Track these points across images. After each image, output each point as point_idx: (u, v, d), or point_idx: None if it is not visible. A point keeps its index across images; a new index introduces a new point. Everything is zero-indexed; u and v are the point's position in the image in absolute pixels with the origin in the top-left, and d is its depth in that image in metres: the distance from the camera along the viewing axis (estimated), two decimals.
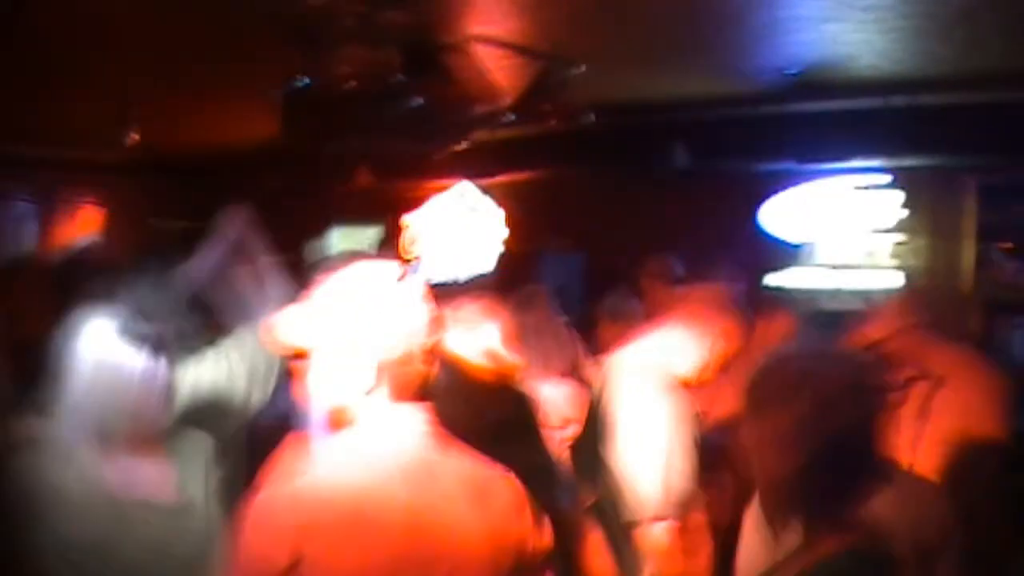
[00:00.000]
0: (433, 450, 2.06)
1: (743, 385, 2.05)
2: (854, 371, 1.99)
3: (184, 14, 4.67)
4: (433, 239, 9.65)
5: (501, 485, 2.12)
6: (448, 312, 2.82)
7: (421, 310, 2.10)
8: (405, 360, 2.04)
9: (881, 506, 2.10)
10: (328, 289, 2.07)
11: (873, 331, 4.22)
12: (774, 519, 1.99)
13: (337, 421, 2.02)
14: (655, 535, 3.42)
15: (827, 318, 6.29)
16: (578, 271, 8.98)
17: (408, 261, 8.55)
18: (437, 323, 2.13)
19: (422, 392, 2.08)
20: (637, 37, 5.18)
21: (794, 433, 1.87)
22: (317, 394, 2.03)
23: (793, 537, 1.95)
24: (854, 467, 1.90)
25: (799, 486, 1.89)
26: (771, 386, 1.96)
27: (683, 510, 3.49)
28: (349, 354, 2.01)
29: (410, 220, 9.50)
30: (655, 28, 4.99)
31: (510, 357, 2.80)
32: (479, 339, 2.77)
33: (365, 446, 2.02)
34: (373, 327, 2.02)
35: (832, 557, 1.85)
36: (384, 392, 2.03)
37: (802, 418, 1.87)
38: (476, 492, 2.05)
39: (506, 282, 8.96)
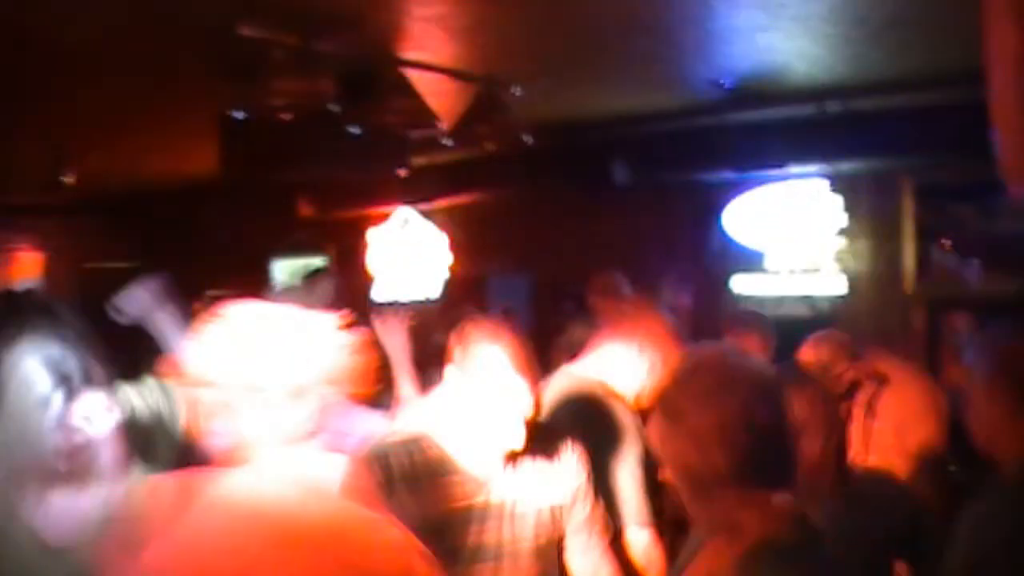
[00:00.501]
0: (295, 499, 1.92)
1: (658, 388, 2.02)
2: (773, 374, 2.00)
3: (117, 52, 4.62)
4: (377, 266, 9.63)
5: (366, 542, 1.91)
6: (451, 336, 2.80)
7: (325, 351, 1.99)
8: (301, 401, 1.95)
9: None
10: (229, 326, 1.99)
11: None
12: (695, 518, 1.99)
13: (232, 460, 1.95)
14: (638, 542, 3.42)
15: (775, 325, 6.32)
16: (524, 292, 8.98)
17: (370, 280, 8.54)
18: (347, 364, 2.02)
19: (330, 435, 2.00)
20: (572, 56, 5.20)
21: (717, 434, 1.85)
22: (214, 433, 1.96)
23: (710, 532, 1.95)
24: (773, 467, 1.89)
25: (718, 485, 1.88)
26: (693, 389, 1.93)
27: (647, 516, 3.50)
28: (244, 392, 1.92)
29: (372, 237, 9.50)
30: (590, 47, 5.00)
31: (519, 380, 2.75)
32: (486, 363, 2.72)
33: (235, 490, 1.92)
34: (268, 366, 1.93)
35: (748, 551, 1.84)
36: (278, 433, 1.95)
37: (724, 420, 1.86)
38: (319, 548, 1.85)
39: (453, 306, 9.01)
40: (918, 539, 2.98)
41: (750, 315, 5.03)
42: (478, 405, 2.70)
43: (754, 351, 4.58)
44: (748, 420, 1.84)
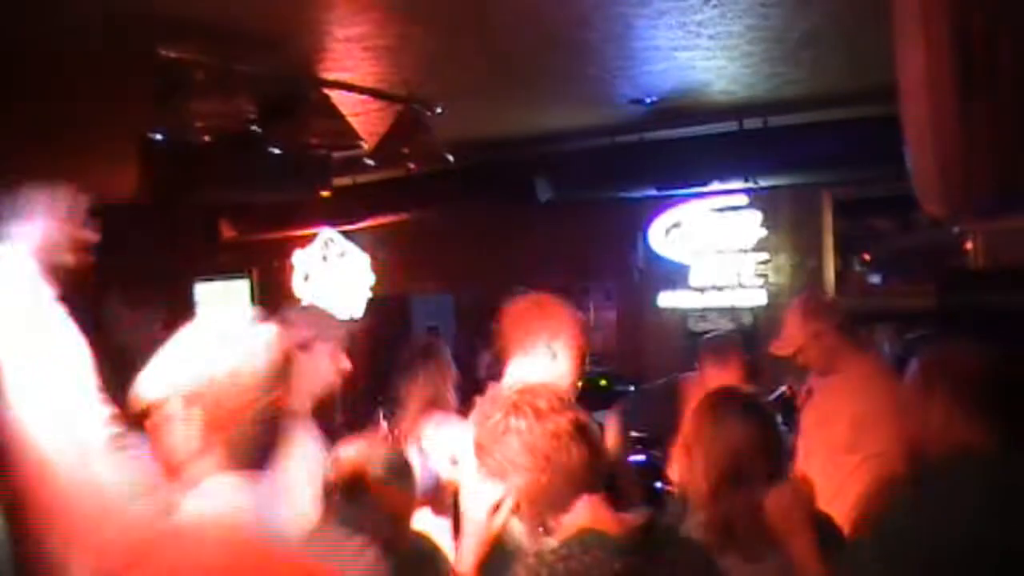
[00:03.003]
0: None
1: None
2: None
3: (34, 73, 4.54)
4: (300, 288, 9.56)
5: None
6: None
7: (260, 369, 1.89)
8: (237, 422, 1.85)
9: None
10: (172, 344, 1.94)
11: (787, 340, 4.31)
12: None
13: (177, 484, 1.86)
14: None
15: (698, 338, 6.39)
16: (449, 312, 8.99)
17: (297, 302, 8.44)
18: (283, 384, 1.92)
19: (262, 460, 1.90)
20: (495, 75, 5.22)
21: None
22: (158, 456, 1.91)
23: None
24: None
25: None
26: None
27: None
28: (183, 413, 1.85)
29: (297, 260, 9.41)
30: (513, 66, 5.03)
31: None
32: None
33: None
34: (205, 385, 1.84)
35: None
36: (216, 457, 1.86)
37: None
38: None
39: (378, 326, 8.98)
40: None
41: (726, 342, 5.04)
42: None
43: (731, 378, 4.63)
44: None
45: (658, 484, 4.93)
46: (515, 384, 2.41)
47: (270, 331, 1.93)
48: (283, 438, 1.96)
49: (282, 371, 1.91)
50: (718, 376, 4.63)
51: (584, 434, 2.21)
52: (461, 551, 2.59)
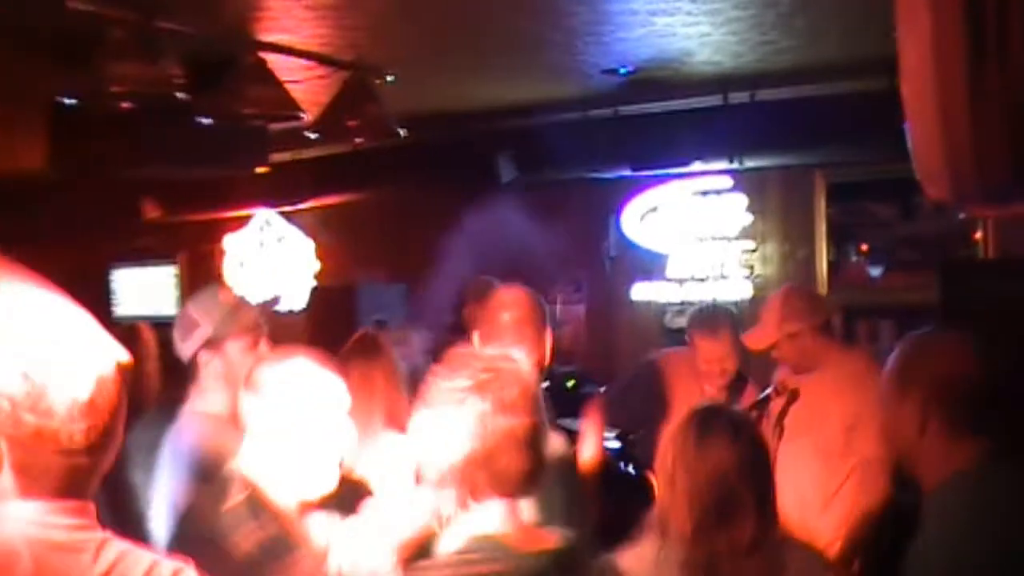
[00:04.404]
0: None
1: None
2: None
3: None
4: (233, 276, 9.49)
5: None
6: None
7: (71, 397, 1.78)
8: (31, 444, 1.75)
9: None
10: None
11: (760, 335, 4.34)
12: None
13: None
14: None
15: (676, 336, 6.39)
16: (399, 303, 8.94)
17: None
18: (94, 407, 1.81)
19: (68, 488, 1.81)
20: (453, 40, 5.20)
21: None
22: None
23: None
24: None
25: None
26: None
27: None
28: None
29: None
30: (472, 29, 5.01)
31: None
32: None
33: None
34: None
35: None
36: (7, 480, 1.78)
37: None
38: None
39: (322, 319, 8.93)
40: None
41: (717, 313, 5.06)
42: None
43: (724, 354, 4.68)
44: None
45: (631, 469, 4.98)
46: (492, 352, 2.37)
47: (105, 350, 1.87)
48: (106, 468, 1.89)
49: (102, 402, 1.82)
50: (709, 349, 4.71)
51: (535, 445, 2.20)
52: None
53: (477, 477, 2.16)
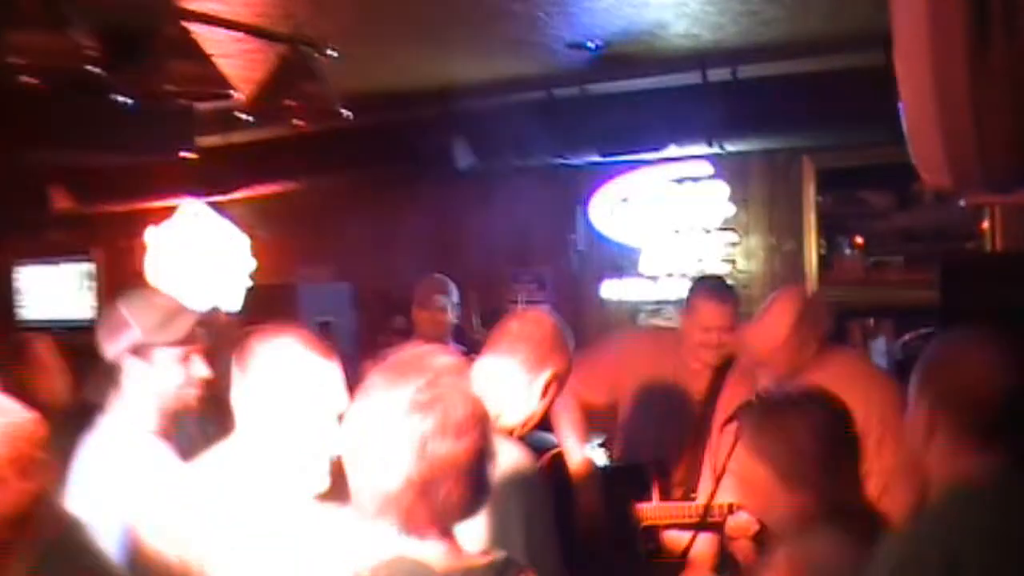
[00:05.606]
0: None
1: None
2: None
3: None
4: (157, 274, 9.43)
5: None
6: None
7: None
8: None
9: None
10: None
11: (767, 335, 4.33)
12: None
13: None
14: None
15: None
16: (345, 303, 8.91)
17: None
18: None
19: None
20: (402, 11, 5.19)
21: None
22: None
23: None
24: None
25: None
26: None
27: None
28: None
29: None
30: None
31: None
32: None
33: None
34: None
35: None
36: None
37: None
38: None
39: (259, 322, 8.86)
40: None
41: (722, 282, 5.12)
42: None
43: (727, 323, 4.72)
44: None
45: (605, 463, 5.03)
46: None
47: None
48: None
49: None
50: (712, 313, 4.74)
51: (478, 471, 2.21)
52: None
53: (416, 508, 2.14)
